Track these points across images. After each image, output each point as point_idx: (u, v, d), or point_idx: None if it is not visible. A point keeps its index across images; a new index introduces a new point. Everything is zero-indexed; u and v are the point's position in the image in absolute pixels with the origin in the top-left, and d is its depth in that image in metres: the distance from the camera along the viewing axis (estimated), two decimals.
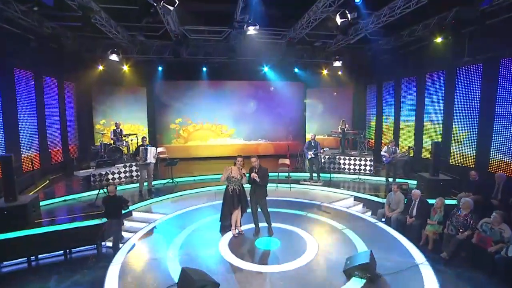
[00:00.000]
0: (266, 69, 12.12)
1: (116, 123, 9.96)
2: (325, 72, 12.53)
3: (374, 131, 12.60)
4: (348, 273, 4.15)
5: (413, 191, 6.23)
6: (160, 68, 11.55)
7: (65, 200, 7.27)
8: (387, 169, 8.41)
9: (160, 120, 12.52)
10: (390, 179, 8.33)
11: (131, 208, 6.79)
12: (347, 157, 9.97)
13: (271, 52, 10.84)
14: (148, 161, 7.62)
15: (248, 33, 7.61)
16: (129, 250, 5.14)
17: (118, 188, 6.18)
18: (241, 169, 5.31)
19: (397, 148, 8.42)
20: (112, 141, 9.62)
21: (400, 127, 10.90)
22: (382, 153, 8.28)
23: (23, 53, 8.07)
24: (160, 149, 9.19)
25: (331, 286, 4.07)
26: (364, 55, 11.62)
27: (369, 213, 7.23)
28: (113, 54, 9.07)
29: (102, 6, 7.06)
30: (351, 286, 4.01)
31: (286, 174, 8.98)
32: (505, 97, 6.95)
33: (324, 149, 9.11)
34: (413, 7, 6.93)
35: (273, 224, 5.64)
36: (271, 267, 4.55)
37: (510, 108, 6.82)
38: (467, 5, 5.96)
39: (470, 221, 5.19)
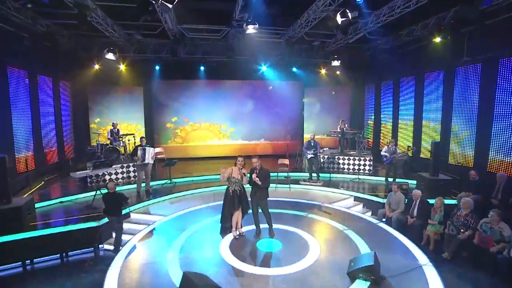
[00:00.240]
0: (264, 68, 12.04)
1: (113, 123, 9.81)
2: (323, 71, 12.49)
3: (372, 131, 12.61)
4: (352, 275, 4.11)
5: (413, 191, 6.21)
6: (157, 67, 11.41)
7: (61, 202, 7.11)
8: (387, 169, 8.40)
9: (158, 120, 12.38)
10: (390, 179, 8.32)
11: (129, 209, 6.69)
12: (346, 157, 9.95)
13: (269, 52, 10.77)
14: (146, 161, 7.50)
15: (248, 32, 7.52)
16: (128, 253, 5.04)
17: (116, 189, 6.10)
18: (242, 169, 5.23)
19: (397, 148, 8.41)
20: (109, 141, 9.46)
21: (399, 127, 10.91)
22: (383, 153, 8.27)
23: (16, 51, 7.88)
24: (158, 149, 9.06)
25: None
26: (362, 55, 11.60)
27: (369, 213, 7.21)
28: (110, 53, 8.92)
29: (98, 3, 6.92)
30: None
31: (285, 174, 8.93)
32: (504, 97, 6.97)
33: (324, 149, 9.08)
34: (413, 6, 6.90)
35: (274, 225, 5.57)
36: (274, 269, 4.48)
37: (509, 108, 6.84)
38: (467, 5, 5.93)
39: (470, 221, 5.19)
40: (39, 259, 5.27)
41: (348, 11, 6.40)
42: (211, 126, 12.91)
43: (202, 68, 11.67)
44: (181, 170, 9.81)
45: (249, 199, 5.48)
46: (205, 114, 12.69)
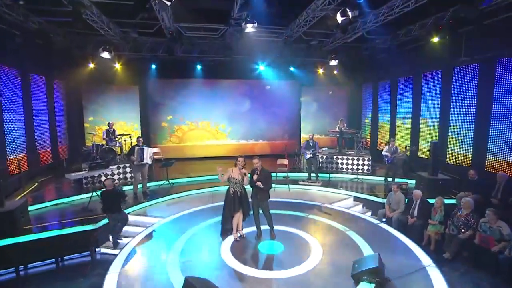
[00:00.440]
0: (261, 67, 11.96)
1: (108, 123, 9.61)
2: (321, 71, 12.45)
3: (369, 131, 12.63)
4: (357, 278, 4.06)
5: (414, 191, 6.20)
6: (153, 66, 11.23)
7: (56, 204, 6.93)
8: (387, 169, 8.39)
9: (154, 120, 12.20)
10: (389, 179, 8.32)
11: (126, 211, 6.53)
12: (344, 157, 9.93)
13: (267, 51, 10.68)
14: (145, 161, 7.36)
15: (247, 30, 7.43)
16: (127, 257, 4.91)
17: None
18: (242, 169, 5.13)
19: (398, 148, 8.41)
20: (104, 142, 9.27)
21: (396, 126, 10.94)
22: (384, 152, 8.26)
23: (7, 49, 7.64)
24: (155, 150, 8.91)
25: None
26: (360, 54, 11.59)
27: (369, 213, 7.19)
28: (105, 52, 8.72)
29: (93, 0, 6.74)
30: None
31: (284, 174, 8.87)
32: (501, 97, 7.00)
33: (323, 149, 9.04)
34: (412, 6, 6.89)
35: (274, 227, 5.50)
36: (276, 272, 4.41)
37: (507, 108, 6.88)
38: (467, 4, 5.94)
39: (471, 221, 5.19)
40: (33, 264, 5.10)
41: (348, 10, 6.35)
42: (208, 125, 12.78)
43: (199, 67, 11.54)
44: (178, 170, 9.67)
45: (250, 200, 5.39)
46: (202, 113, 12.55)
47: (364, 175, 9.46)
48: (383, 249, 4.86)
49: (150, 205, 7.30)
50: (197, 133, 12.67)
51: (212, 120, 12.74)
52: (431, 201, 5.93)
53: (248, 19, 7.13)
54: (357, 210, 7.30)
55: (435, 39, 7.79)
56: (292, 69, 12.22)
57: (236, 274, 4.36)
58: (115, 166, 8.53)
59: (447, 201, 5.93)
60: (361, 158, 9.76)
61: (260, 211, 5.37)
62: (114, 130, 9.55)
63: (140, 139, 7.57)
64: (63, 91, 10.77)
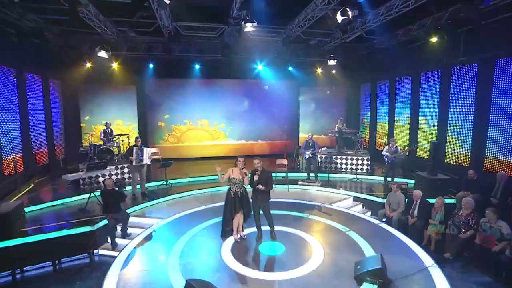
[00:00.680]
0: (260, 67, 11.90)
1: (106, 123, 9.49)
2: (319, 70, 12.43)
3: (368, 130, 12.64)
4: (359, 279, 4.03)
5: (414, 191, 6.20)
6: (151, 66, 11.13)
7: (52, 206, 6.81)
8: (387, 169, 8.39)
9: (151, 120, 12.10)
10: (389, 179, 8.32)
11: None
12: (343, 157, 9.92)
13: (266, 50, 10.63)
14: (144, 162, 7.27)
15: (246, 30, 7.36)
16: (126, 260, 4.83)
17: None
18: (243, 168, 5.07)
19: (398, 147, 8.41)
20: (102, 142, 9.16)
21: (395, 126, 10.95)
22: (384, 152, 8.25)
23: (2, 48, 7.51)
24: (153, 150, 8.81)
25: None
26: (358, 54, 11.59)
27: (369, 213, 7.19)
28: (102, 51, 8.60)
29: None
30: None
31: (283, 174, 8.83)
32: (500, 97, 7.03)
33: (322, 148, 9.02)
34: (412, 6, 6.88)
35: (275, 227, 5.45)
36: (278, 274, 4.37)
37: (505, 108, 6.90)
38: (468, 4, 5.94)
39: (472, 221, 5.19)
40: (30, 267, 5.01)
41: (348, 9, 6.31)
42: (207, 125, 12.70)
43: (197, 66, 11.45)
44: (177, 171, 9.59)
45: (250, 200, 5.33)
46: (200, 113, 12.48)
47: (363, 175, 9.46)
48: (384, 249, 4.84)
49: (149, 206, 7.22)
50: (195, 133, 12.58)
51: (210, 120, 12.66)
52: (431, 201, 5.94)
53: (247, 18, 7.07)
54: (357, 210, 7.29)
55: (434, 39, 7.80)
56: (290, 69, 12.19)
57: (237, 276, 4.31)
58: (113, 167, 8.43)
59: (446, 200, 5.94)
60: (360, 157, 9.76)
61: (261, 212, 5.32)
62: (111, 130, 9.44)
63: (139, 139, 7.48)
64: (60, 91, 10.62)
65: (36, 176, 8.58)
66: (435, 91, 9.07)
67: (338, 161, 9.92)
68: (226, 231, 5.41)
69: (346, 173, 9.67)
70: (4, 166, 7.47)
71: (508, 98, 6.80)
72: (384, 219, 6.42)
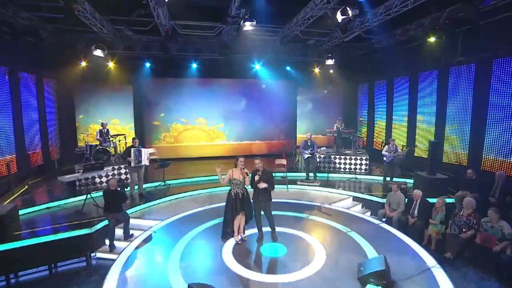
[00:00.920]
0: (258, 67, 11.84)
1: (102, 123, 9.33)
2: (317, 70, 12.41)
3: (365, 130, 12.67)
4: (363, 280, 4.00)
5: (414, 191, 6.20)
6: (147, 65, 10.99)
7: (47, 208, 6.66)
8: (386, 169, 8.39)
9: (148, 120, 11.95)
10: (388, 178, 8.33)
11: None
12: (342, 157, 9.91)
13: (264, 50, 10.56)
14: (143, 162, 7.16)
15: (245, 29, 7.29)
16: (125, 263, 4.72)
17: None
18: (244, 168, 5.00)
19: (398, 147, 8.43)
20: (98, 142, 9.00)
21: (393, 126, 10.98)
22: (383, 152, 8.26)
23: None
24: (151, 150, 8.69)
25: None
26: (356, 54, 11.59)
27: (369, 213, 7.18)
28: (98, 50, 8.45)
29: None
30: None
31: (282, 174, 8.78)
32: (497, 96, 7.07)
33: (321, 148, 8.99)
34: (411, 5, 6.88)
35: (276, 229, 5.39)
36: (281, 276, 4.31)
37: (502, 108, 6.94)
38: (468, 4, 5.95)
39: (473, 221, 5.20)
40: (24, 271, 4.88)
41: (348, 8, 6.28)
42: (204, 125, 12.60)
43: (194, 66, 11.34)
44: (174, 171, 9.47)
45: (251, 201, 5.27)
46: (197, 113, 12.37)
47: (362, 175, 9.46)
48: (386, 250, 4.83)
49: (148, 207, 7.11)
50: (193, 133, 12.47)
51: (208, 120, 12.56)
52: (430, 200, 5.94)
53: (247, 17, 7.00)
54: (356, 210, 7.28)
55: (432, 39, 7.82)
56: (288, 68, 12.14)
57: (239, 279, 4.24)
58: (110, 168, 8.28)
59: (446, 200, 5.94)
60: (358, 157, 9.76)
61: (262, 213, 5.26)
62: (108, 130, 9.28)
63: (136, 140, 7.36)
64: (55, 90, 10.42)
65: (30, 178, 8.41)
66: (433, 90, 9.10)
67: (337, 161, 9.91)
68: (227, 232, 5.33)
69: (345, 173, 9.66)
70: None
71: (506, 98, 6.84)
72: (384, 219, 6.41)
